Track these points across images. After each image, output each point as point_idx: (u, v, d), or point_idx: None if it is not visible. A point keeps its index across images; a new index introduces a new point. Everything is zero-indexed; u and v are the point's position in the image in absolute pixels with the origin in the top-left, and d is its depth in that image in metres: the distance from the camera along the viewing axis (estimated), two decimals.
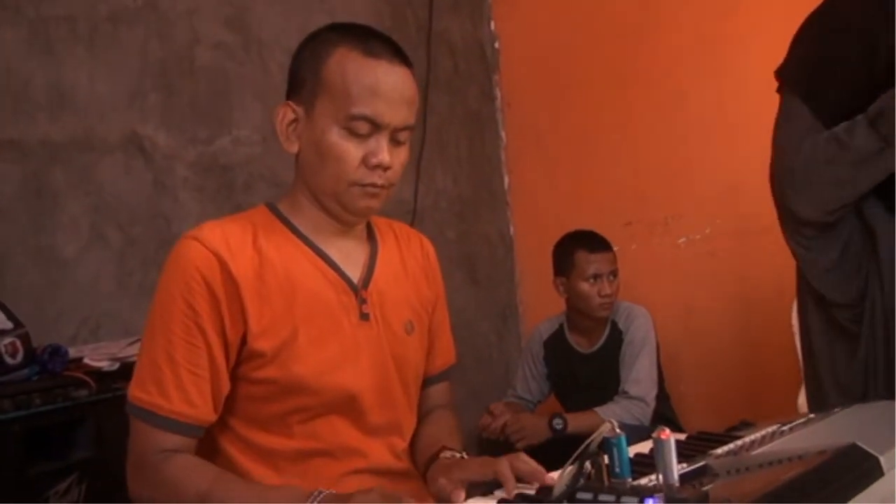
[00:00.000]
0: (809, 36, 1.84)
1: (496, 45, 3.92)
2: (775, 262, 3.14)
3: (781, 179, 1.87)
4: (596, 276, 2.86)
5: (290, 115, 1.39)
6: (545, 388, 3.09)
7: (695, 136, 3.34)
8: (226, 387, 1.34)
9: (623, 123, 3.52)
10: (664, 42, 3.40)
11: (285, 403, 1.35)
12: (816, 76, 1.81)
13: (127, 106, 2.48)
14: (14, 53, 2.25)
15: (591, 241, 2.92)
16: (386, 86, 1.33)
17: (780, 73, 1.93)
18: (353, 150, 1.34)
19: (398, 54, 1.37)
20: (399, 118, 1.35)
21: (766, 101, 3.12)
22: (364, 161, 1.34)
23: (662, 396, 2.90)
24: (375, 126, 1.34)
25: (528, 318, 3.78)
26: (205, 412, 1.31)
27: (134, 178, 2.48)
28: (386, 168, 1.36)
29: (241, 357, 1.34)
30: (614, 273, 2.88)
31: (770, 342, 3.07)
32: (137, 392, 1.31)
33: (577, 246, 2.92)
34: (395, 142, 1.37)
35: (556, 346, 3.04)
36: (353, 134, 1.34)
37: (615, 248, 3.42)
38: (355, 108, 1.32)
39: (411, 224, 3.22)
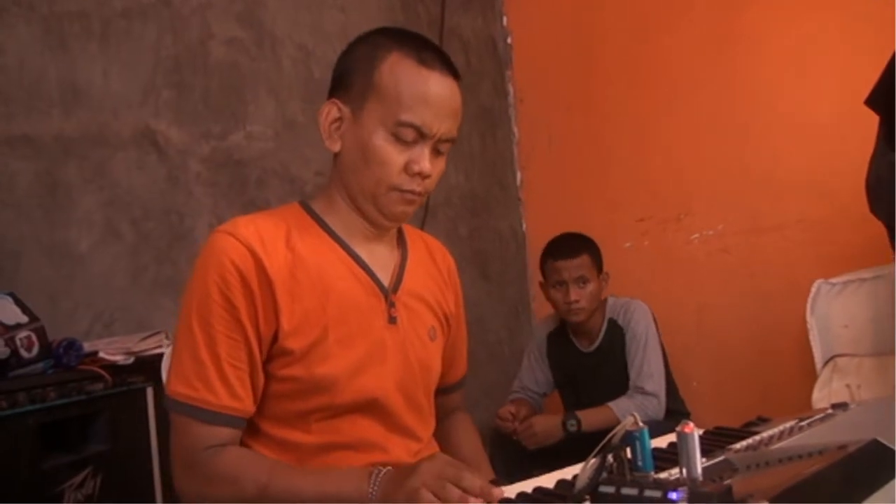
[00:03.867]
0: (890, 63, 2.02)
1: (509, 40, 3.91)
2: (788, 258, 3.14)
3: (867, 189, 2.13)
4: (561, 283, 2.87)
5: (335, 114, 1.40)
6: (551, 378, 3.08)
7: (707, 132, 3.33)
8: (262, 380, 1.35)
9: (636, 120, 3.51)
10: (677, 38, 3.39)
11: (308, 402, 1.36)
12: (888, 102, 1.98)
13: (140, 101, 2.48)
14: (28, 49, 2.25)
15: (558, 249, 2.92)
16: (436, 97, 1.35)
17: (867, 99, 2.13)
18: (396, 156, 1.36)
19: (449, 66, 1.39)
20: (444, 129, 1.37)
21: (777, 99, 3.14)
22: (406, 167, 1.36)
23: (671, 391, 2.89)
24: (421, 135, 1.35)
25: (540, 314, 3.77)
26: (248, 404, 1.33)
27: (147, 173, 2.48)
28: (425, 176, 1.37)
29: (271, 354, 1.35)
30: (583, 279, 2.85)
31: (783, 338, 3.06)
32: (182, 388, 1.30)
33: (546, 253, 2.95)
34: (436, 151, 1.39)
35: (558, 341, 3.05)
36: (399, 140, 1.35)
37: (627, 245, 3.42)
38: (404, 115, 1.34)
39: (424, 219, 3.22)
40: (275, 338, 1.34)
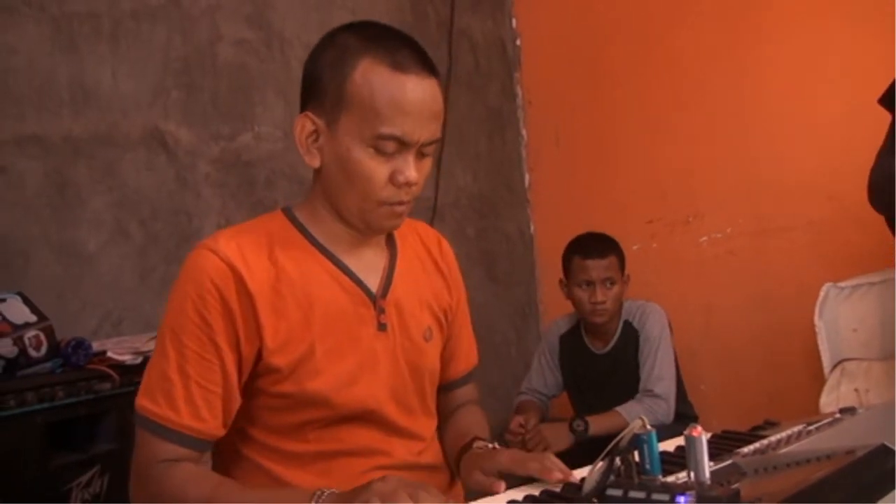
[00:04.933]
0: None
1: (517, 42, 3.91)
2: (796, 261, 3.13)
3: (869, 180, 2.16)
4: (588, 283, 2.82)
5: (310, 127, 1.33)
6: (560, 380, 3.07)
7: (717, 134, 3.32)
8: (236, 402, 1.31)
9: (645, 122, 3.50)
10: (686, 40, 3.38)
11: (302, 415, 1.33)
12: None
13: (149, 102, 2.49)
14: (38, 50, 2.26)
15: (587, 247, 2.87)
16: (415, 103, 1.27)
17: (880, 98, 2.16)
18: (379, 169, 1.29)
19: (426, 65, 1.30)
20: (427, 134, 1.30)
21: (785, 101, 3.13)
22: (391, 179, 1.30)
23: (680, 394, 2.88)
24: (403, 144, 1.28)
25: (548, 316, 3.76)
26: (213, 427, 1.29)
27: (156, 173, 2.49)
28: (412, 184, 1.31)
29: (257, 371, 1.31)
30: (611, 280, 2.81)
31: (791, 341, 3.05)
32: (146, 402, 1.28)
33: (573, 251, 2.90)
34: (420, 155, 1.33)
35: (571, 343, 3.02)
36: (380, 152, 1.28)
37: (635, 247, 3.42)
38: (384, 127, 1.26)
39: (431, 221, 3.22)
40: (259, 356, 1.30)
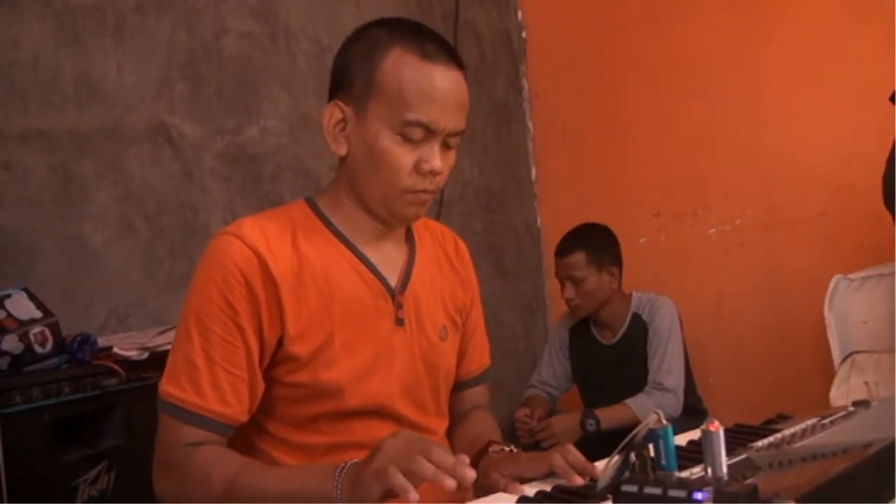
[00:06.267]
0: None
1: (523, 34, 3.89)
2: (806, 253, 3.11)
3: (883, 183, 2.17)
4: (560, 279, 2.93)
5: (338, 115, 1.35)
6: (570, 372, 3.07)
7: (725, 126, 3.30)
8: (261, 387, 1.32)
9: (652, 113, 3.48)
10: (693, 31, 3.36)
11: (316, 407, 1.34)
12: None
13: (155, 96, 2.48)
14: (42, 44, 2.25)
15: (559, 245, 2.97)
16: (442, 91, 1.30)
17: (892, 95, 2.15)
18: (405, 156, 1.31)
19: (453, 57, 1.34)
20: (453, 123, 1.33)
21: (796, 91, 3.11)
22: (416, 167, 1.32)
23: (689, 388, 2.87)
24: (429, 132, 1.31)
25: (555, 310, 3.75)
26: (238, 412, 1.30)
27: (162, 168, 2.48)
28: (437, 174, 1.33)
29: (276, 359, 1.32)
30: (572, 279, 2.88)
31: (800, 334, 3.04)
32: (171, 388, 1.28)
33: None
34: (445, 146, 1.35)
35: (580, 335, 3.04)
36: (406, 139, 1.31)
37: (643, 240, 3.41)
38: (411, 113, 1.29)
39: (438, 215, 3.21)
40: (280, 343, 1.31)
